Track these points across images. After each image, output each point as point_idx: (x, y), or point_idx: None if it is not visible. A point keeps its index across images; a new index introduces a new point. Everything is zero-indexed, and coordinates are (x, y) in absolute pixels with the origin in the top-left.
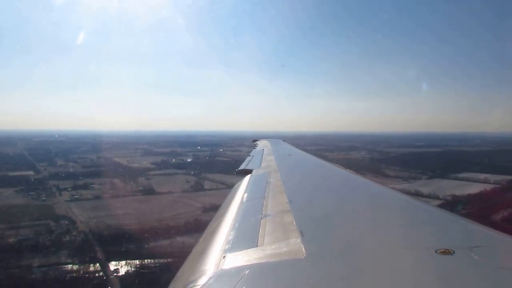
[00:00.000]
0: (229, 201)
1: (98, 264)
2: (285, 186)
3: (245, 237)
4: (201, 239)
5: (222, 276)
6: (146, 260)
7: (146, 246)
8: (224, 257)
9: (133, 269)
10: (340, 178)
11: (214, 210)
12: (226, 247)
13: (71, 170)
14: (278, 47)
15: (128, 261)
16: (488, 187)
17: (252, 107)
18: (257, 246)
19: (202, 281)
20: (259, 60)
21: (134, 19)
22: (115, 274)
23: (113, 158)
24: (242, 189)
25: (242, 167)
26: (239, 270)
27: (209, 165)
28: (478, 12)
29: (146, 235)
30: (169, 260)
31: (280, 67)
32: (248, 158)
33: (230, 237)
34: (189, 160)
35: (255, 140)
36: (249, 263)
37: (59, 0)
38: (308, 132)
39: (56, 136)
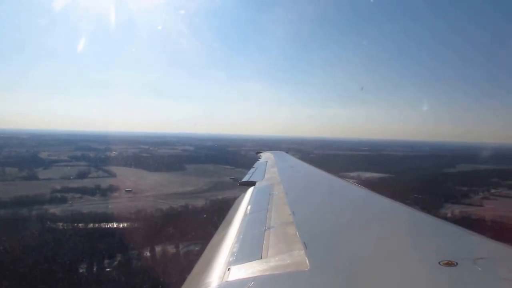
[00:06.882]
0: (233, 213)
1: None
2: (288, 198)
3: (249, 249)
4: (206, 251)
5: None
6: None
7: None
8: (228, 269)
9: None
10: (342, 190)
11: (65, 191)
12: (231, 259)
13: None
14: (275, 53)
15: None
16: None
17: (249, 112)
18: (261, 258)
19: None
20: (259, 66)
21: (131, 25)
22: None
23: (40, 152)
24: (246, 201)
25: (245, 179)
26: (244, 282)
27: (124, 159)
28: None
29: None
30: None
31: (276, 74)
32: (252, 170)
33: (235, 249)
34: (113, 154)
35: (258, 152)
36: (253, 275)
37: (57, 5)
38: (292, 137)
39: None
